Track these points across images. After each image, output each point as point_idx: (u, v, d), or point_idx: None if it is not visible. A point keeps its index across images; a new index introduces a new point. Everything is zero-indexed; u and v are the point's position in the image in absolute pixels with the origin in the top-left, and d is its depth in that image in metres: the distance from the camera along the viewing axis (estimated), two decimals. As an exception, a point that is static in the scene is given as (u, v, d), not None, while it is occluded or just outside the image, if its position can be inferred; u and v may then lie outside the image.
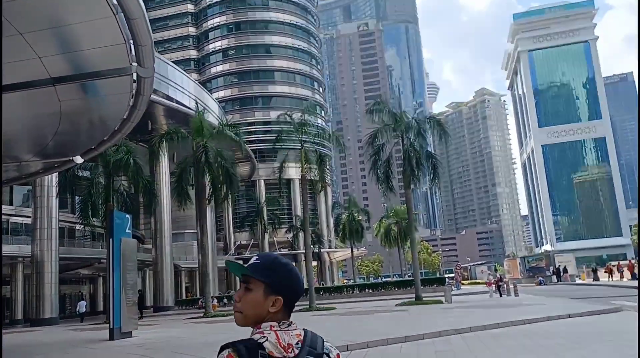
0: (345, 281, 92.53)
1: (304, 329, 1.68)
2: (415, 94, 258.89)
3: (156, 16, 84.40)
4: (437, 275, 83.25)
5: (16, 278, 40.74)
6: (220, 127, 34.94)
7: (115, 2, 9.75)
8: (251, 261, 1.71)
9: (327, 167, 37.42)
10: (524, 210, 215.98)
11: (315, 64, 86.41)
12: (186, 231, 59.34)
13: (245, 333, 1.68)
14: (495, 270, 58.52)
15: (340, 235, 68.87)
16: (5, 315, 39.99)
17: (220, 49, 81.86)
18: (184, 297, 54.51)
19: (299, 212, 59.53)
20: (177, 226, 54.42)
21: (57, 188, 36.01)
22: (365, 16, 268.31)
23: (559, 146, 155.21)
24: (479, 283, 57.20)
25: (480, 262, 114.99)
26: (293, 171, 59.40)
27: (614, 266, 49.22)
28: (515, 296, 30.98)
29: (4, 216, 38.64)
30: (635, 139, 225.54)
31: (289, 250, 70.58)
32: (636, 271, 40.91)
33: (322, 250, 67.85)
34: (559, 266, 52.93)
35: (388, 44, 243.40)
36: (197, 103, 45.12)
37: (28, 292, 39.20)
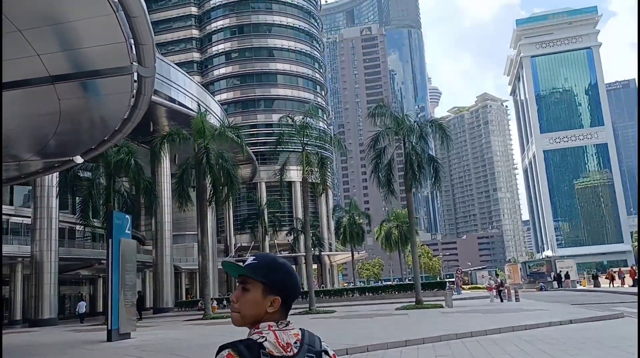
0: (345, 284, 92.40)
1: (300, 329, 1.68)
2: (417, 99, 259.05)
3: (160, 18, 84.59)
4: (438, 279, 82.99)
5: (15, 279, 40.63)
6: (222, 129, 34.85)
7: (115, -1, 9.70)
8: (248, 261, 1.70)
9: (329, 170, 37.31)
10: (525, 215, 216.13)
11: (317, 68, 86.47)
12: (187, 232, 59.22)
13: (243, 334, 1.66)
14: (496, 275, 58.30)
15: (341, 238, 68.74)
16: (4, 316, 39.88)
17: (223, 52, 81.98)
18: (183, 299, 54.35)
19: (300, 215, 59.44)
20: (178, 227, 54.32)
21: (58, 189, 35.93)
22: (368, 20, 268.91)
23: (560, 151, 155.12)
24: (479, 288, 56.98)
25: (480, 267, 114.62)
26: (294, 174, 59.36)
27: (615, 272, 49.04)
28: (516, 301, 30.80)
29: (3, 216, 38.56)
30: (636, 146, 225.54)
31: (289, 253, 70.45)
32: (638, 276, 40.70)
33: (322, 253, 67.76)
34: (560, 271, 52.74)
35: (391, 48, 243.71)
36: (199, 105, 45.09)
37: (27, 292, 39.07)
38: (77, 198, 38.54)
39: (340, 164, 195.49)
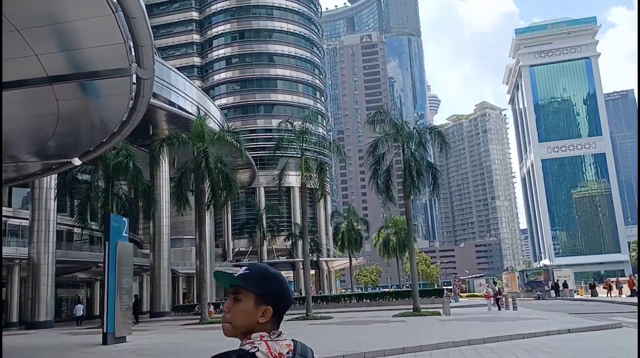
0: (343, 290, 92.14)
1: (292, 340, 1.67)
2: (417, 106, 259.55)
3: (161, 22, 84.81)
4: (436, 287, 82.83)
5: (12, 280, 40.44)
6: (221, 133, 34.83)
7: (114, 0, 9.65)
8: (240, 271, 1.70)
9: (327, 176, 37.26)
10: (523, 224, 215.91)
11: (317, 74, 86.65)
12: (185, 236, 59.11)
13: (236, 342, 1.66)
14: (494, 283, 58.17)
15: (339, 244, 68.58)
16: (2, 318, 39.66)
17: (223, 57, 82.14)
18: (180, 303, 54.15)
19: (298, 220, 59.35)
20: (176, 231, 54.21)
21: (56, 191, 35.85)
22: (368, 28, 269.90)
23: (558, 161, 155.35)
24: (477, 296, 56.84)
25: (478, 275, 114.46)
26: (293, 179, 59.31)
27: (612, 282, 48.96)
28: (513, 310, 30.69)
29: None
30: (635, 157, 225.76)
31: (287, 258, 70.30)
32: (636, 287, 40.62)
33: (320, 259, 67.55)
34: (558, 280, 52.66)
35: (390, 56, 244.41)
36: (198, 109, 45.09)
37: (24, 295, 38.89)
38: (75, 200, 38.41)
39: (339, 171, 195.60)
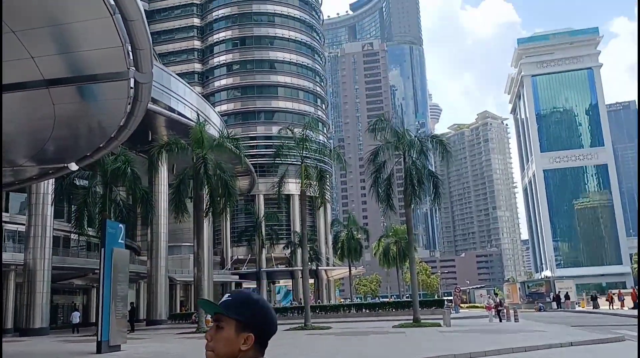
0: (342, 300, 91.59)
1: None
2: (418, 115, 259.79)
3: (162, 29, 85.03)
4: (436, 297, 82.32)
5: (7, 287, 40.07)
6: (221, 140, 34.63)
7: (112, 2, 9.42)
8: (223, 298, 1.71)
9: (327, 183, 37.01)
10: (524, 235, 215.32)
11: (318, 81, 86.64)
12: (183, 244, 58.76)
13: None
14: (495, 294, 57.71)
15: (338, 252, 68.24)
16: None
17: (224, 63, 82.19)
18: (177, 311, 53.71)
19: (298, 228, 59.01)
20: (175, 238, 53.86)
21: (53, 196, 35.56)
22: (370, 36, 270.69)
23: (560, 171, 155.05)
24: (477, 307, 56.40)
25: (479, 286, 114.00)
26: (293, 187, 59.04)
27: (614, 294, 48.53)
28: (515, 321, 30.34)
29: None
30: (636, 167, 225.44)
31: (286, 266, 69.90)
32: (638, 299, 40.19)
33: (319, 268, 67.20)
34: (559, 292, 52.23)
35: (392, 64, 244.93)
36: (198, 115, 44.92)
37: (19, 301, 38.51)
38: (72, 206, 38.10)
39: (340, 179, 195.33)
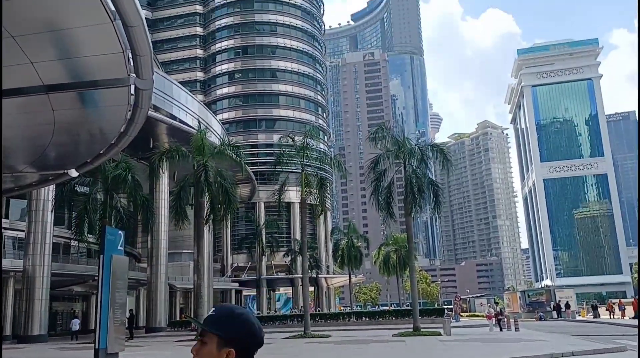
0: (342, 308, 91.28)
1: None
2: (418, 124, 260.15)
3: (165, 37, 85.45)
4: (436, 306, 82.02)
5: (6, 293, 39.91)
6: (222, 147, 34.64)
7: (112, 8, 9.44)
8: (209, 312, 1.75)
9: (328, 191, 36.98)
10: (525, 244, 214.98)
11: (320, 90, 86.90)
12: (184, 251, 58.61)
13: None
14: (496, 303, 57.52)
15: (338, 260, 68.06)
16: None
17: (226, 72, 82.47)
18: (177, 318, 53.48)
19: (298, 236, 58.90)
20: (175, 245, 53.76)
21: (54, 203, 35.51)
22: (371, 46, 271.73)
23: (560, 181, 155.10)
24: (478, 316, 56.17)
25: (479, 294, 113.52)
26: (293, 195, 59.01)
27: (614, 303, 48.35)
28: (515, 330, 30.18)
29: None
30: (636, 178, 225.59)
31: (286, 274, 69.72)
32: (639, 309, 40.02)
33: (319, 276, 67.03)
34: (559, 301, 52.04)
35: (393, 74, 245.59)
36: (199, 123, 44.96)
37: (17, 308, 38.35)
38: (73, 212, 38.03)
39: (340, 187, 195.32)
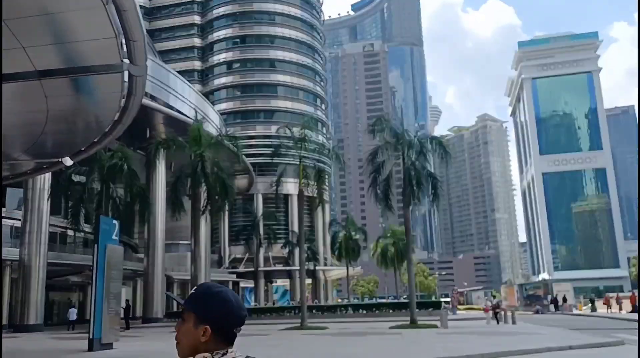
0: (339, 300, 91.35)
1: (247, 356, 1.68)
2: (418, 116, 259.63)
3: (163, 26, 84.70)
4: (433, 299, 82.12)
5: (2, 282, 39.77)
6: (219, 138, 34.41)
7: (105, -9, 9.20)
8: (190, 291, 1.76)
9: (326, 183, 36.82)
10: (522, 237, 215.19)
11: (318, 81, 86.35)
12: (181, 242, 58.42)
13: None
14: (493, 296, 57.54)
15: (336, 253, 68.01)
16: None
17: (224, 62, 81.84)
18: (174, 309, 53.40)
19: (296, 228, 58.77)
20: (173, 236, 53.53)
21: (50, 192, 35.29)
22: (371, 37, 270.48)
23: (559, 174, 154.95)
24: (475, 309, 56.23)
25: (476, 287, 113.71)
26: (291, 186, 58.80)
27: (612, 297, 48.34)
28: (512, 324, 30.12)
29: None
30: (635, 172, 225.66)
31: (283, 266, 69.66)
32: (637, 303, 40.01)
33: (317, 268, 66.91)
34: (557, 295, 52.03)
35: (392, 66, 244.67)
36: (196, 113, 44.64)
37: (13, 297, 38.23)
38: (69, 202, 37.82)
39: (339, 180, 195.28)
